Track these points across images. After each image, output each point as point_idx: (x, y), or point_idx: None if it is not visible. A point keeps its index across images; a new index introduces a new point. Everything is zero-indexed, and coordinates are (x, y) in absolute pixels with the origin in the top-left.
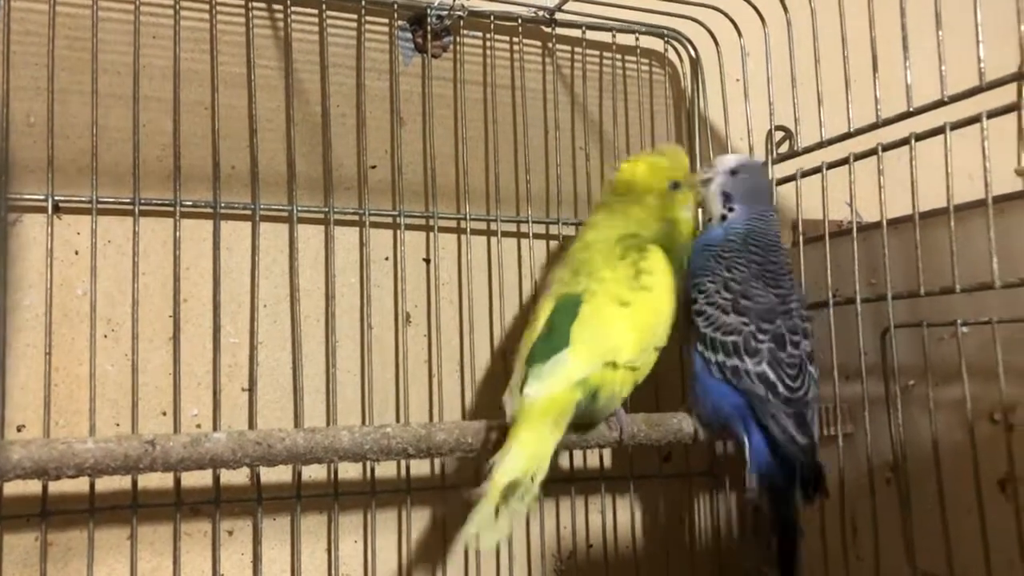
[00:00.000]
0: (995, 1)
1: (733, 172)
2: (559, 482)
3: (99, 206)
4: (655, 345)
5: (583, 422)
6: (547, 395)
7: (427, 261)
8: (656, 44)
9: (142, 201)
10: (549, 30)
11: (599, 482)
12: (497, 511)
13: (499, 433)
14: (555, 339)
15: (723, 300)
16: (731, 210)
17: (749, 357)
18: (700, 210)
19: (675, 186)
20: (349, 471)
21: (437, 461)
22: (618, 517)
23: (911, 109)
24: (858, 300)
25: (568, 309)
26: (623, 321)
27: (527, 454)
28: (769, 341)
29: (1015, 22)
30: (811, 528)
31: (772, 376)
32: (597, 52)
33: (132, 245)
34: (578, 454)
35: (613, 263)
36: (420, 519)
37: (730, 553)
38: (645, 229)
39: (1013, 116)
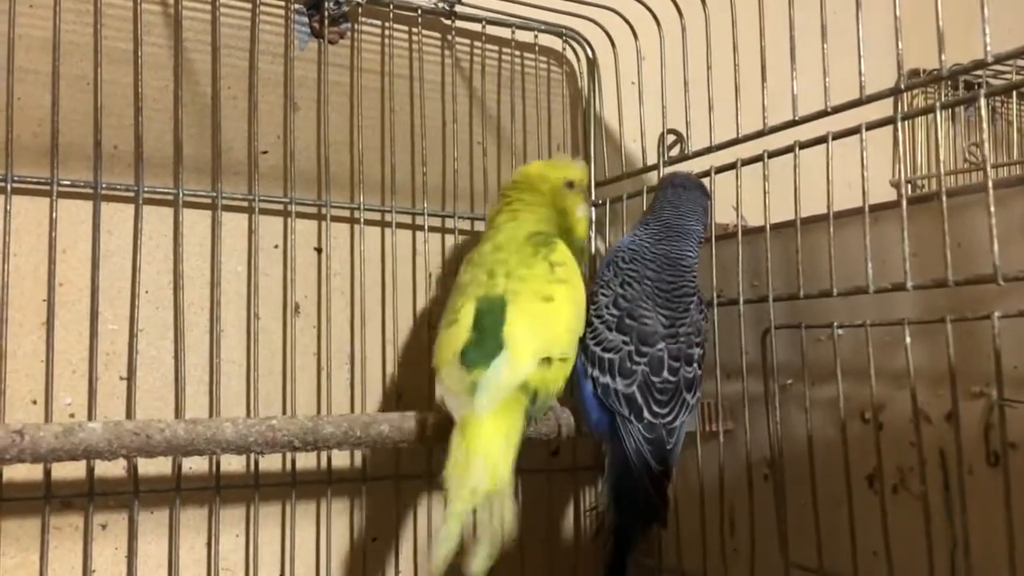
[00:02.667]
0: (878, 17)
1: (670, 187)
2: None
3: None
4: (579, 333)
5: (536, 416)
6: (498, 404)
7: (318, 251)
8: (555, 43)
9: (16, 178)
10: (449, 22)
11: None
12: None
13: (390, 427)
14: (488, 343)
15: (610, 316)
16: (645, 223)
17: (621, 378)
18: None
19: (570, 185)
20: (232, 463)
21: (324, 455)
22: None
23: (796, 118)
24: (741, 301)
25: (494, 311)
26: (550, 315)
27: (491, 466)
28: (645, 364)
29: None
30: (690, 520)
31: (639, 400)
32: (496, 47)
33: (3, 224)
34: None
35: (528, 261)
36: (305, 513)
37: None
38: (545, 224)
39: (888, 130)
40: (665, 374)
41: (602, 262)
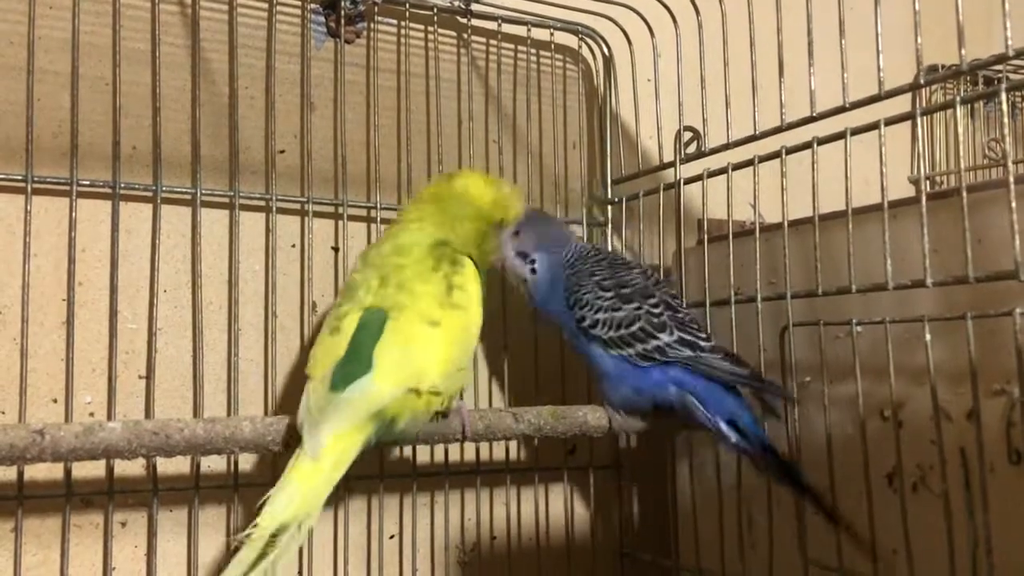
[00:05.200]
0: (896, 12)
1: (516, 233)
2: (464, 474)
3: None
4: (460, 367)
5: (384, 441)
6: (340, 432)
7: (335, 249)
8: (570, 40)
9: (35, 179)
10: (464, 21)
11: (504, 474)
12: (260, 556)
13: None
14: (357, 363)
15: (606, 302)
16: (533, 261)
17: (660, 332)
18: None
19: (499, 224)
20: (250, 462)
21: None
22: (522, 509)
23: (814, 114)
24: (759, 298)
25: (373, 327)
26: (430, 343)
27: (301, 498)
28: (664, 309)
29: (914, 33)
30: (709, 518)
31: (689, 337)
32: (512, 45)
33: (23, 224)
34: (483, 445)
35: (426, 275)
36: (323, 512)
37: (632, 543)
38: (459, 242)
39: (907, 126)
40: (681, 312)
41: (551, 308)
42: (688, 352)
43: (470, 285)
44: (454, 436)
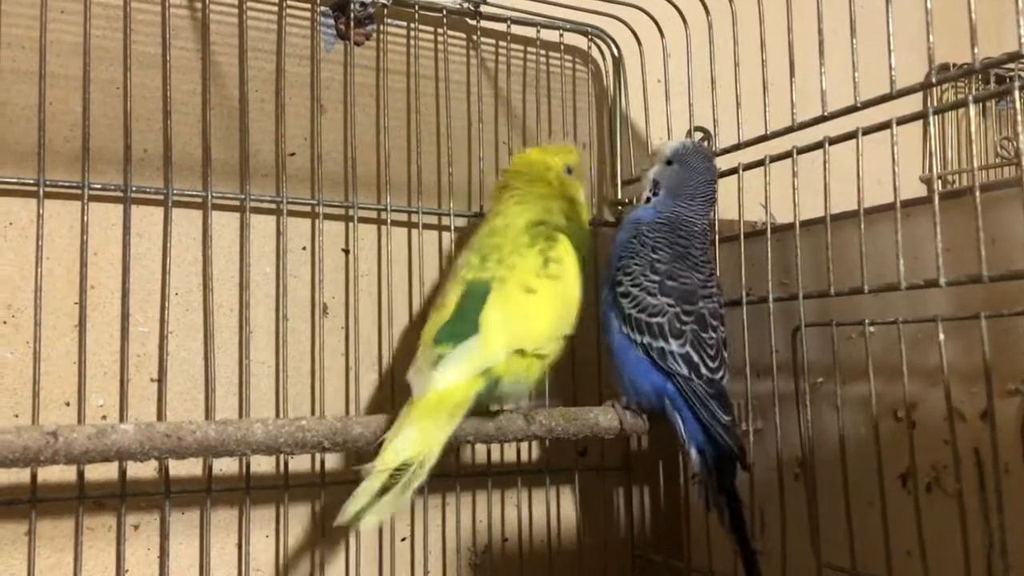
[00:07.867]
0: (907, 11)
1: (668, 162)
2: (475, 476)
3: (0, 187)
4: (562, 333)
5: (492, 406)
6: (453, 383)
7: (346, 252)
8: (580, 41)
9: (47, 183)
10: (474, 22)
11: (515, 476)
12: (381, 493)
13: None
14: (464, 324)
15: (649, 282)
16: (655, 194)
17: (674, 339)
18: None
19: (569, 171)
20: (262, 464)
21: (353, 455)
22: (534, 511)
23: (825, 114)
24: (770, 299)
25: (477, 295)
26: (531, 308)
27: (421, 437)
28: (692, 323)
29: (925, 31)
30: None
31: (695, 358)
32: (521, 47)
33: (36, 228)
34: (495, 447)
35: (522, 250)
36: (335, 514)
37: (643, 544)
38: (551, 214)
39: (918, 125)
40: (710, 332)
41: (619, 237)
42: (684, 371)
43: (566, 258)
44: (527, 434)
